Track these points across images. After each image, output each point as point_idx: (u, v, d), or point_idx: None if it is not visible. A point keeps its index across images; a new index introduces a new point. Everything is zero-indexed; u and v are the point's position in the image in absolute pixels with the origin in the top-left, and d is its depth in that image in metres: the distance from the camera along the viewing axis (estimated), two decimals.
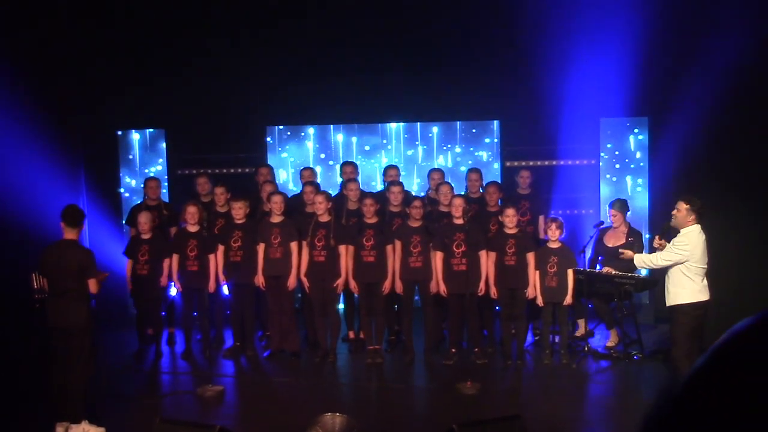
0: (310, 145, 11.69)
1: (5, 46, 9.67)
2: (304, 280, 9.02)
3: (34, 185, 9.85)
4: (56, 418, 6.87)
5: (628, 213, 9.40)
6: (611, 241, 9.18)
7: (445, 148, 11.56)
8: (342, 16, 10.83)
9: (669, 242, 7.37)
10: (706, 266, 7.20)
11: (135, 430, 7.08)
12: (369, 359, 8.94)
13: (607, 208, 9.48)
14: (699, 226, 7.21)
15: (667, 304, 7.35)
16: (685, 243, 7.14)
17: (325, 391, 8.25)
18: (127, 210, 10.76)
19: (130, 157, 11.78)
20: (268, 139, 11.69)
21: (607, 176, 11.03)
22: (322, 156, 11.65)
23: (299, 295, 9.76)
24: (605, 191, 10.93)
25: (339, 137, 11.67)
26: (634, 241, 8.99)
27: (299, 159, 11.61)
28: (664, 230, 7.55)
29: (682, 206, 7.20)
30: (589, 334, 9.36)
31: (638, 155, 11.00)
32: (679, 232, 7.29)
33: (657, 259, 7.42)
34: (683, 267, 7.17)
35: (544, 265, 8.82)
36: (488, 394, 7.96)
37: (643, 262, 7.77)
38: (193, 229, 9.22)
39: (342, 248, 8.92)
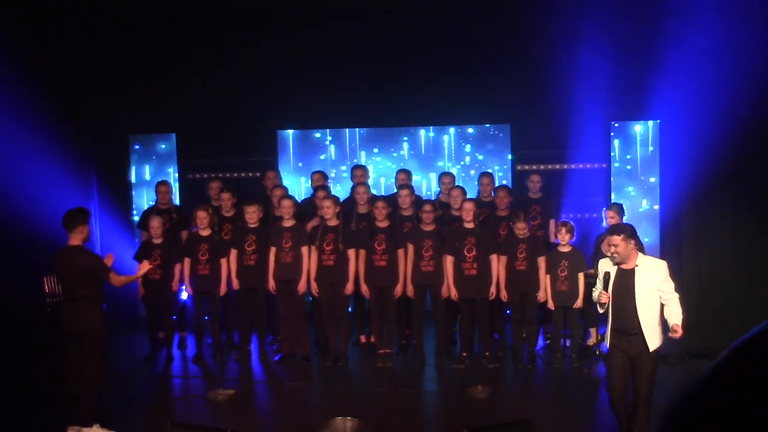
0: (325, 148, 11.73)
1: (19, 53, 9.71)
2: (314, 284, 9.03)
3: (46, 190, 9.88)
4: (68, 422, 6.89)
5: (624, 218, 9.35)
6: None
7: (466, 148, 11.57)
8: (353, 21, 10.85)
9: (606, 290, 6.28)
10: None
11: None
12: (379, 363, 8.94)
13: (604, 211, 9.44)
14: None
15: (653, 349, 6.17)
16: (665, 268, 6.19)
17: (336, 395, 8.25)
18: (138, 214, 10.79)
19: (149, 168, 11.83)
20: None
21: (630, 181, 11.01)
22: (331, 157, 11.67)
23: (309, 299, 9.75)
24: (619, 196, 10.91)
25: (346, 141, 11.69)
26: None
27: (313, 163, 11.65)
28: (605, 280, 6.31)
29: (617, 239, 6.16)
30: (601, 339, 9.32)
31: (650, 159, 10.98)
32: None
33: (676, 304, 6.13)
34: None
35: (555, 269, 8.82)
36: (499, 398, 7.95)
37: (678, 317, 6.10)
38: (204, 233, 9.22)
39: (351, 252, 8.91)
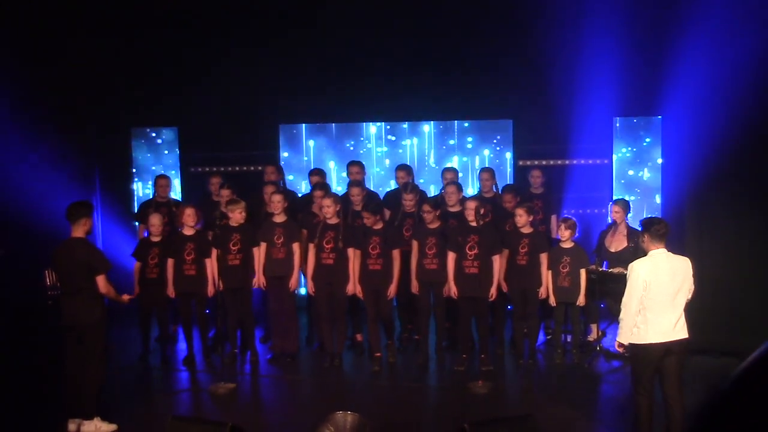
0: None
1: (22, 48, 9.71)
2: (310, 283, 8.87)
3: (48, 183, 9.88)
4: (69, 415, 6.91)
5: (629, 214, 9.33)
6: (613, 246, 9.11)
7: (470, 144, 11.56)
8: (356, 15, 10.82)
9: None
10: (671, 300, 6.11)
11: (147, 428, 7.10)
12: (376, 367, 8.74)
13: (610, 205, 9.42)
14: (661, 248, 6.20)
15: (617, 341, 6.38)
16: (629, 272, 6.21)
17: (337, 390, 8.24)
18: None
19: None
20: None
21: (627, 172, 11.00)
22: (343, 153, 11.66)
23: (305, 295, 9.63)
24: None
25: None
26: (636, 246, 8.71)
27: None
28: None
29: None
30: (602, 335, 9.32)
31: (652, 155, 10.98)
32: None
33: (624, 308, 6.20)
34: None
35: (557, 265, 8.78)
36: (500, 393, 7.95)
37: (621, 327, 6.24)
38: (189, 232, 8.99)
39: (350, 251, 8.77)
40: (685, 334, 6.15)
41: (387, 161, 11.61)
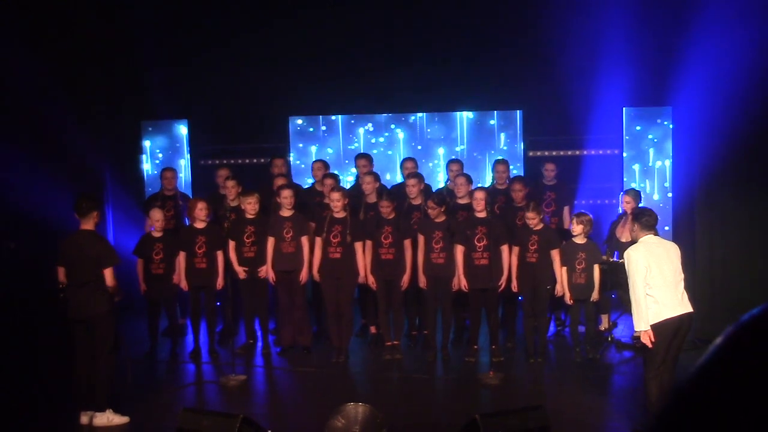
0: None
1: (31, 38, 9.73)
2: (316, 275, 8.82)
3: (58, 176, 9.90)
4: (81, 407, 6.93)
5: (640, 204, 9.29)
6: (624, 236, 9.05)
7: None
8: (364, 5, 10.81)
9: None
10: (671, 277, 6.31)
11: (159, 420, 7.11)
12: (387, 355, 8.79)
13: (621, 195, 9.37)
14: (650, 235, 6.43)
15: (635, 330, 6.54)
16: (626, 260, 6.40)
17: (348, 382, 8.25)
18: None
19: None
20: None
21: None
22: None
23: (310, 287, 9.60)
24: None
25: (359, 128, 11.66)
26: None
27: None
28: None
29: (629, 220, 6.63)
30: (613, 325, 9.29)
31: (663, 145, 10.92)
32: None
33: (633, 297, 6.33)
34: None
35: (572, 262, 8.55)
36: (511, 385, 7.93)
37: (638, 314, 6.29)
38: (200, 225, 8.94)
39: (358, 245, 8.73)
40: (690, 307, 6.38)
41: (402, 148, 11.56)
